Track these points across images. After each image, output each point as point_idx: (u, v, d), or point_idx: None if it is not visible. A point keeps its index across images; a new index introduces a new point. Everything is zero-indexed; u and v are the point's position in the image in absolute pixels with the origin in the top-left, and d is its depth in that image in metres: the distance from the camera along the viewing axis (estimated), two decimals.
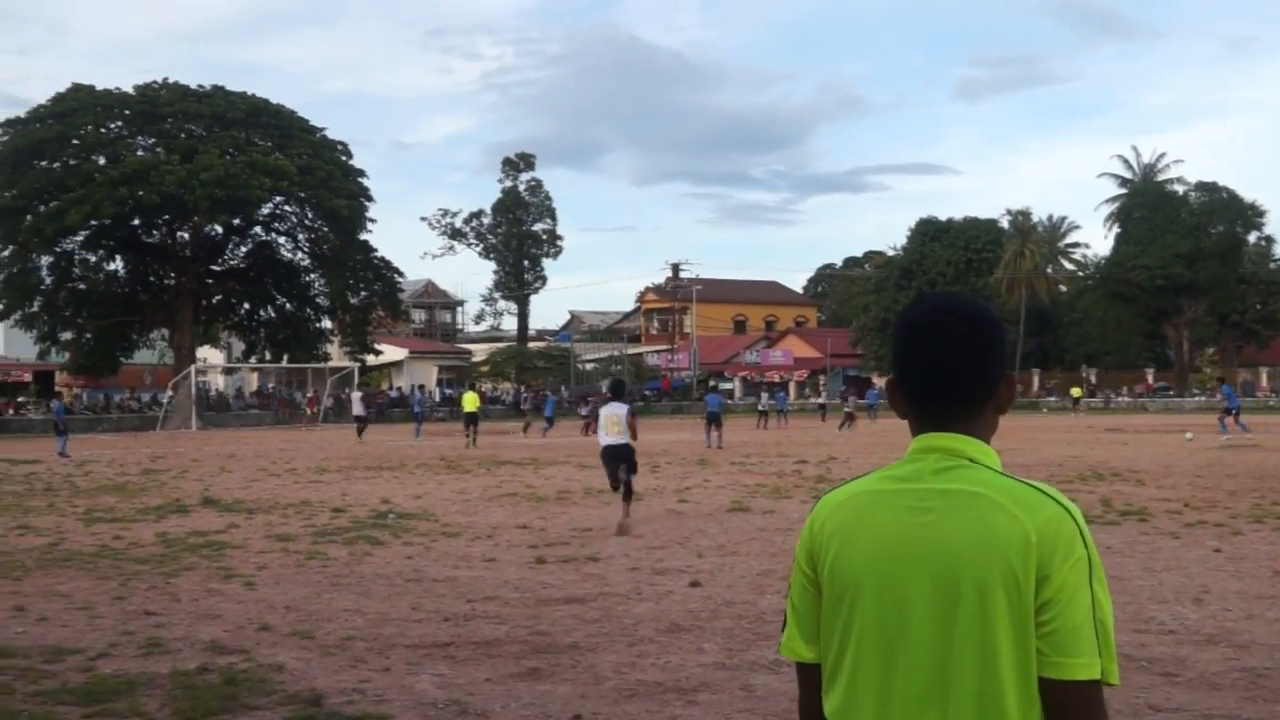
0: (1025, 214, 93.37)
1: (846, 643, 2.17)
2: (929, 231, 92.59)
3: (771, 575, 12.28)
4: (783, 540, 14.86)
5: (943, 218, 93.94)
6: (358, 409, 47.11)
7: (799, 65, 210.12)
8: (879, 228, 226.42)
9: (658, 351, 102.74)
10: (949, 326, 2.21)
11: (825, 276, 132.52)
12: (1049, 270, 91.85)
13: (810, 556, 2.25)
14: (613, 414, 17.98)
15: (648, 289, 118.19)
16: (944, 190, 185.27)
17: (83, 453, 37.38)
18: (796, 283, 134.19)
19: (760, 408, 58.05)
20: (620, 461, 17.66)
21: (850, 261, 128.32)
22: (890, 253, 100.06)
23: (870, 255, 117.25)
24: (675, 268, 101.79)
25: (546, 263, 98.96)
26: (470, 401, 42.72)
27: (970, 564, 2.08)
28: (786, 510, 18.49)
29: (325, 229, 65.92)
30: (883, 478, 2.24)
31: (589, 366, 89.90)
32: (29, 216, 58.42)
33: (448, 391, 77.50)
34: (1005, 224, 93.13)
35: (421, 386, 73.73)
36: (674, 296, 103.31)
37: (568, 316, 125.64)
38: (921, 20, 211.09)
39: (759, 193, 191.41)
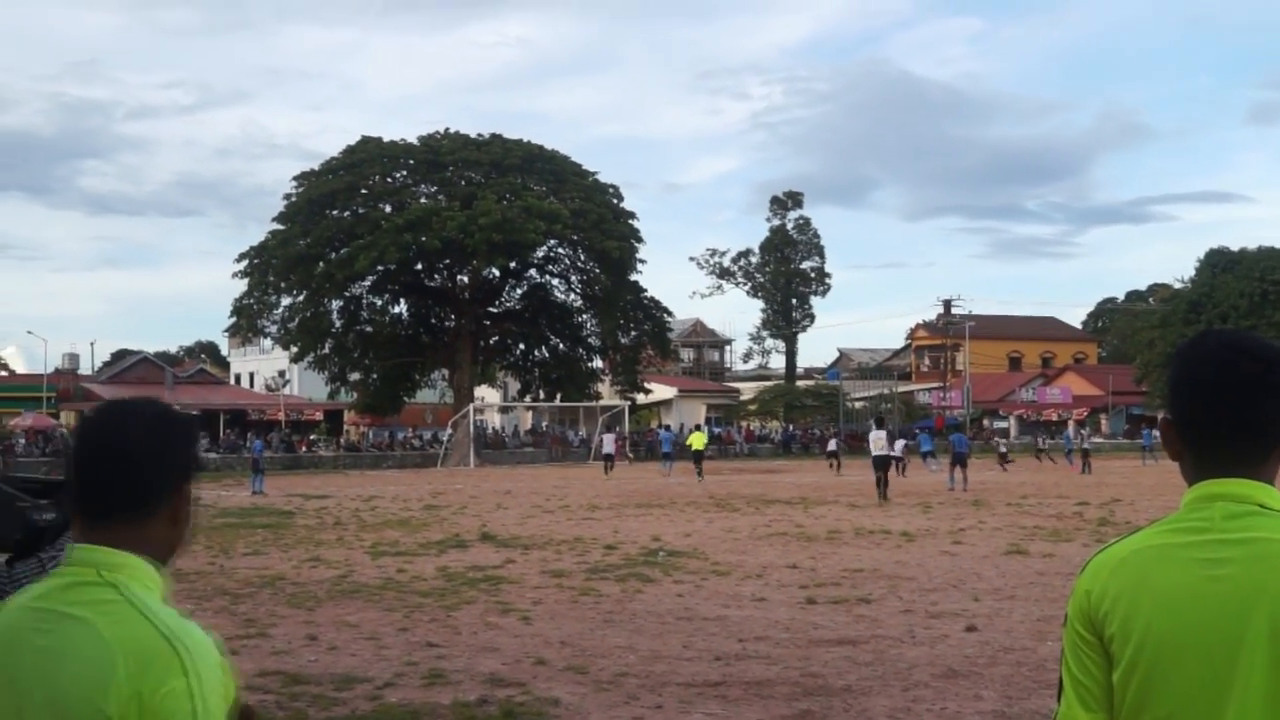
0: None
1: (1144, 709, 2.04)
2: (1220, 262, 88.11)
3: (1052, 621, 11.79)
4: (1063, 585, 14.27)
5: (1235, 247, 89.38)
6: (607, 447, 49.75)
7: (1077, 93, 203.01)
8: (1164, 259, 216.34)
9: (929, 389, 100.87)
10: (1239, 367, 2.08)
11: (1106, 311, 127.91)
12: None
13: (1089, 620, 2.11)
14: (879, 436, 32.06)
15: (918, 325, 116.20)
16: (1236, 218, 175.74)
17: (368, 489, 39.16)
18: (1075, 318, 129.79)
19: (1077, 444, 52.18)
20: (883, 465, 31.12)
21: (1133, 295, 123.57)
22: (1177, 285, 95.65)
23: (1155, 288, 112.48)
24: (947, 304, 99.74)
25: (814, 300, 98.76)
26: (698, 440, 46.55)
27: None
28: (1067, 554, 17.80)
29: (597, 270, 67.12)
30: (1165, 530, 2.11)
31: (858, 405, 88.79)
32: (321, 263, 61.68)
33: (715, 430, 77.76)
34: None
35: (667, 425, 74.25)
36: (946, 333, 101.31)
37: (836, 354, 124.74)
38: (1208, 42, 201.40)
39: (1035, 225, 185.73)
